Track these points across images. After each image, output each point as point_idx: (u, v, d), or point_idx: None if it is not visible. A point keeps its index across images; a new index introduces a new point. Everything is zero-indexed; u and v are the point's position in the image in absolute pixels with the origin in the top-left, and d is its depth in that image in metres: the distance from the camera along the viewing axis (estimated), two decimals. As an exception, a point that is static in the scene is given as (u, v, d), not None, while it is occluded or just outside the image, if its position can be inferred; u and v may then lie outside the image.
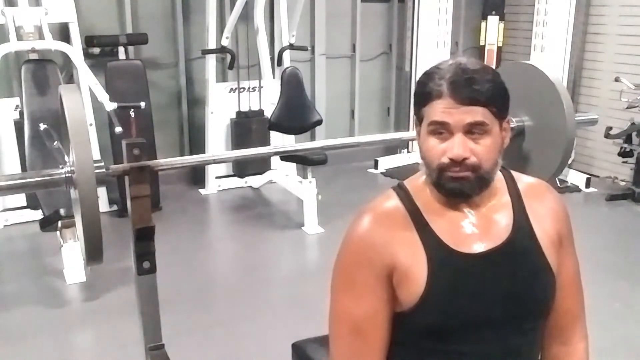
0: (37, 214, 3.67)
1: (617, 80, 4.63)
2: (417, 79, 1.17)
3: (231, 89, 4.92)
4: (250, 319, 2.99)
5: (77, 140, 1.36)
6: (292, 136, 4.66)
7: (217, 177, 4.89)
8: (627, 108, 4.54)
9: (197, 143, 5.03)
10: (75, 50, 3.81)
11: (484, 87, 1.09)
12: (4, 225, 4.09)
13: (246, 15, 4.64)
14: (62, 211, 3.19)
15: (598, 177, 5.08)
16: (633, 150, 4.61)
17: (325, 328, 1.23)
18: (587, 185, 4.93)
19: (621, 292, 3.26)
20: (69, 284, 3.26)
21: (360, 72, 5.64)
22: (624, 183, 4.84)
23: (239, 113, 4.92)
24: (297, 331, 1.68)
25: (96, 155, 3.55)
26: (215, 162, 1.89)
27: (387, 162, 5.55)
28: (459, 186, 1.13)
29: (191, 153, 4.99)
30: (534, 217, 1.20)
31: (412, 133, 1.49)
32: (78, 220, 1.46)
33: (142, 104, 4.00)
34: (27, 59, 3.54)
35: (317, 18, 5.32)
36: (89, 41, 4.32)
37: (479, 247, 1.15)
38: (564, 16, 4.91)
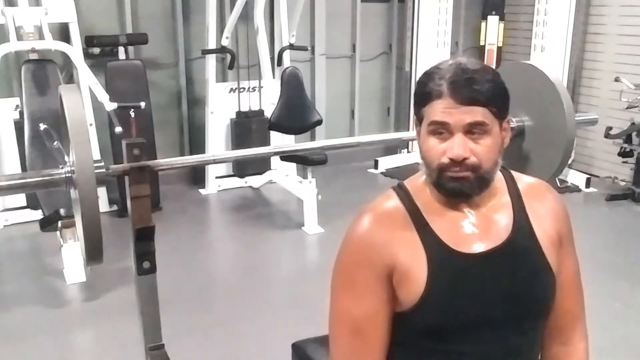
0: (37, 214, 3.66)
1: (617, 80, 4.63)
2: (417, 79, 1.17)
3: (231, 89, 4.92)
4: (250, 319, 2.99)
5: (77, 140, 1.36)
6: (292, 136, 4.66)
7: (217, 177, 4.89)
8: (627, 108, 4.55)
9: (197, 143, 5.03)
10: (75, 50, 3.81)
11: (484, 87, 1.09)
12: (4, 225, 4.09)
13: (246, 15, 4.64)
14: (62, 211, 3.19)
15: (598, 177, 5.08)
16: (633, 150, 4.61)
17: (325, 328, 1.23)
18: (587, 185, 4.93)
19: (621, 292, 3.26)
20: (69, 284, 3.26)
21: (360, 72, 5.64)
22: (624, 183, 4.84)
23: (239, 113, 4.92)
24: (297, 331, 1.68)
25: (96, 155, 3.54)
26: (215, 162, 1.89)
27: (387, 162, 5.55)
28: (459, 186, 1.13)
29: (191, 153, 4.99)
30: (534, 217, 1.20)
31: (412, 133, 1.49)
32: (78, 220, 1.46)
33: (142, 104, 4.00)
34: (27, 59, 3.54)
35: (317, 18, 5.32)
36: (89, 41, 4.32)
37: (479, 247, 1.15)
38: (564, 16, 4.91)
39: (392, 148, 5.69)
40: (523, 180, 1.26)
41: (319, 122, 4.48)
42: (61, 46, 3.62)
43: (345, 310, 1.18)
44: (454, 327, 1.13)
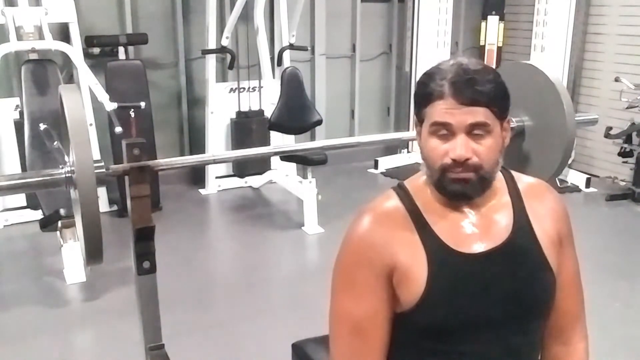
0: (37, 214, 3.67)
1: (617, 80, 4.63)
2: (418, 79, 1.17)
3: (231, 89, 4.92)
4: (250, 319, 2.99)
5: (77, 140, 1.36)
6: (292, 136, 4.66)
7: (217, 177, 4.89)
8: (627, 108, 4.54)
9: (197, 143, 5.03)
10: (75, 50, 3.81)
11: (485, 88, 1.09)
12: (4, 225, 4.09)
13: (246, 15, 4.64)
14: (62, 211, 3.19)
15: (598, 177, 5.08)
16: (633, 150, 4.61)
17: (325, 328, 1.23)
18: (587, 185, 4.93)
19: (621, 292, 3.26)
20: (69, 284, 3.26)
21: (360, 72, 5.64)
22: (624, 183, 4.83)
23: (239, 113, 4.92)
24: (297, 331, 1.68)
25: (96, 155, 3.55)
26: (215, 162, 1.89)
27: (387, 162, 5.55)
28: (462, 188, 1.13)
29: (191, 153, 4.99)
30: (534, 217, 1.20)
31: (412, 133, 1.49)
32: (78, 220, 1.46)
33: (142, 104, 4.00)
34: (27, 59, 3.54)
35: (317, 18, 5.32)
36: (89, 41, 4.31)
37: (479, 247, 1.15)
38: (564, 16, 4.90)
39: (392, 148, 5.68)
40: (523, 180, 1.26)
41: (319, 122, 4.48)
42: (61, 46, 3.62)
43: (345, 310, 1.18)
44: (454, 327, 1.13)
